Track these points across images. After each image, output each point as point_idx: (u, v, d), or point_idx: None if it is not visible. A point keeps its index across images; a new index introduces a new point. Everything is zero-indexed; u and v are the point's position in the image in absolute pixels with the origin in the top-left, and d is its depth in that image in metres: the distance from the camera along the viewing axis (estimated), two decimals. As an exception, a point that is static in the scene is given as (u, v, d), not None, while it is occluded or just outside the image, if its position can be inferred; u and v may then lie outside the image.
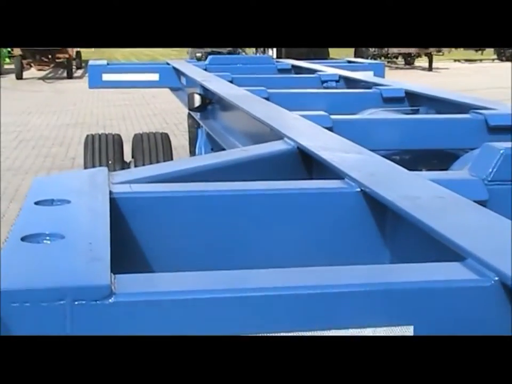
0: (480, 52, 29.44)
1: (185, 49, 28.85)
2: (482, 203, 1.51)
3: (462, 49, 28.96)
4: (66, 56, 22.19)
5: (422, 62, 25.99)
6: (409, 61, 26.53)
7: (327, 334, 0.97)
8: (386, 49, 25.09)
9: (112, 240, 1.12)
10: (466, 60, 29.34)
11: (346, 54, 21.00)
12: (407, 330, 0.99)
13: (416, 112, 3.54)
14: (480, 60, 29.02)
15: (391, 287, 1.01)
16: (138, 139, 5.28)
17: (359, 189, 1.53)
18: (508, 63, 24.43)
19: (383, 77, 5.71)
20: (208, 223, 1.49)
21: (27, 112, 13.90)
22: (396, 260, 1.48)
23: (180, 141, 9.22)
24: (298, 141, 2.00)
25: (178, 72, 5.60)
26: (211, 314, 0.95)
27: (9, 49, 24.04)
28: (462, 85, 16.94)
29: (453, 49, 26.75)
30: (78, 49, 26.12)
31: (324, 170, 1.81)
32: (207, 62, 6.34)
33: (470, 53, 29.41)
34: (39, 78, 22.07)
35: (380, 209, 1.48)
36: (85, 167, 5.15)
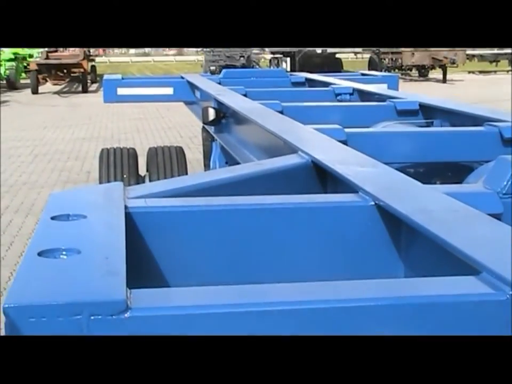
0: (494, 63, 29.36)
1: (199, 63, 28.98)
2: (496, 216, 1.51)
3: (476, 60, 28.92)
4: (82, 70, 22.36)
5: (436, 73, 25.96)
6: (423, 73, 26.50)
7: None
8: (400, 61, 25.10)
9: (127, 255, 1.13)
10: (481, 72, 29.27)
11: (360, 66, 21.03)
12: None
13: (430, 124, 3.54)
14: (495, 72, 28.94)
15: (406, 301, 1.01)
16: (153, 153, 5.29)
17: (373, 203, 1.53)
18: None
19: (397, 89, 5.71)
20: (223, 238, 1.49)
21: (43, 127, 14.00)
22: (410, 274, 1.48)
23: (194, 154, 9.25)
24: (312, 154, 2.00)
25: (193, 86, 5.62)
26: (227, 329, 0.96)
27: (25, 64, 24.28)
28: (477, 96, 16.91)
29: (467, 60, 26.69)
30: (93, 63, 26.33)
31: (338, 184, 1.81)
32: (221, 75, 6.36)
33: (485, 65, 29.33)
34: (55, 93, 22.24)
35: (394, 223, 1.48)
36: (100, 181, 5.18)
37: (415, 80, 25.34)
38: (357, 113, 3.69)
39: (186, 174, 5.17)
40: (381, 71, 19.36)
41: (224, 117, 3.83)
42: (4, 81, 23.60)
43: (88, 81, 23.45)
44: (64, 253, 1.14)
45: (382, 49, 24.71)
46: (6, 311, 0.91)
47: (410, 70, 26.50)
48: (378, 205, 1.52)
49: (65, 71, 22.49)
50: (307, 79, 6.01)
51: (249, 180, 1.87)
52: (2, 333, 0.94)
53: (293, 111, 3.41)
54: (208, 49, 25.21)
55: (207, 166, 6.34)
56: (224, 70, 6.72)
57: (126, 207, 1.46)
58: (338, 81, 5.22)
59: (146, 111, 15.47)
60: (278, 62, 26.25)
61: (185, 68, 28.30)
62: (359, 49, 26.04)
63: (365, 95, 4.55)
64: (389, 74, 11.86)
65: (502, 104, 12.86)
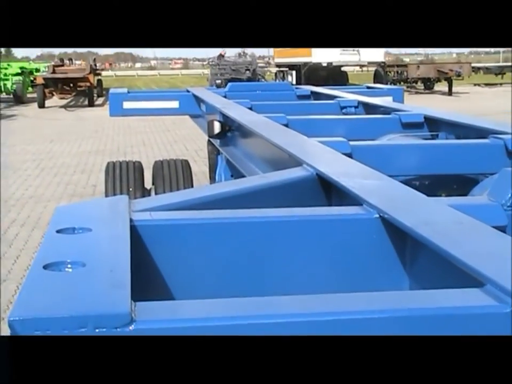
0: (500, 76, 29.39)
1: (205, 77, 29.07)
2: (501, 228, 1.51)
3: (481, 73, 28.95)
4: (88, 84, 22.47)
5: (442, 86, 25.98)
6: (428, 86, 26.54)
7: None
8: (405, 74, 25.14)
9: (132, 268, 1.14)
10: (486, 84, 29.29)
11: (366, 79, 21.06)
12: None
13: (435, 137, 3.54)
14: (500, 84, 28.95)
15: (410, 314, 1.01)
16: (159, 166, 5.30)
17: (377, 215, 1.53)
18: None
19: (402, 102, 5.71)
20: (228, 251, 1.50)
21: (49, 140, 14.05)
22: (415, 286, 1.48)
23: (200, 167, 9.27)
24: (317, 167, 2.01)
25: (198, 99, 5.64)
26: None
27: (31, 78, 24.43)
28: (483, 109, 16.90)
29: (473, 73, 26.73)
30: (99, 77, 26.46)
31: (342, 196, 1.82)
32: (226, 89, 6.38)
33: (490, 77, 29.36)
34: (61, 106, 22.33)
35: (398, 235, 1.48)
36: (106, 194, 5.18)
37: (421, 93, 25.35)
38: (362, 126, 3.70)
39: (192, 187, 5.17)
40: (387, 84, 19.40)
41: (230, 130, 3.84)
42: (11, 96, 23.75)
43: (95, 95, 23.55)
44: (69, 266, 1.15)
45: (387, 62, 24.77)
46: (11, 324, 0.92)
47: (416, 83, 26.55)
48: (383, 217, 1.52)
49: (71, 85, 22.61)
50: (312, 92, 6.02)
51: (254, 192, 1.88)
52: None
53: (298, 124, 3.41)
54: (214, 63, 25.32)
55: (212, 179, 6.35)
56: (229, 84, 6.74)
57: (131, 220, 1.46)
58: (343, 94, 5.23)
59: (152, 125, 15.52)
60: (283, 75, 26.34)
61: (191, 82, 28.40)
62: (365, 62, 26.09)
63: (370, 108, 4.55)
64: (394, 87, 11.87)
65: (505, 116, 12.83)
